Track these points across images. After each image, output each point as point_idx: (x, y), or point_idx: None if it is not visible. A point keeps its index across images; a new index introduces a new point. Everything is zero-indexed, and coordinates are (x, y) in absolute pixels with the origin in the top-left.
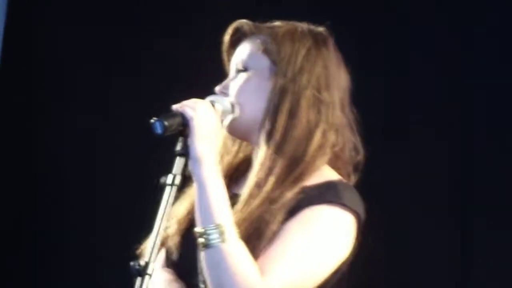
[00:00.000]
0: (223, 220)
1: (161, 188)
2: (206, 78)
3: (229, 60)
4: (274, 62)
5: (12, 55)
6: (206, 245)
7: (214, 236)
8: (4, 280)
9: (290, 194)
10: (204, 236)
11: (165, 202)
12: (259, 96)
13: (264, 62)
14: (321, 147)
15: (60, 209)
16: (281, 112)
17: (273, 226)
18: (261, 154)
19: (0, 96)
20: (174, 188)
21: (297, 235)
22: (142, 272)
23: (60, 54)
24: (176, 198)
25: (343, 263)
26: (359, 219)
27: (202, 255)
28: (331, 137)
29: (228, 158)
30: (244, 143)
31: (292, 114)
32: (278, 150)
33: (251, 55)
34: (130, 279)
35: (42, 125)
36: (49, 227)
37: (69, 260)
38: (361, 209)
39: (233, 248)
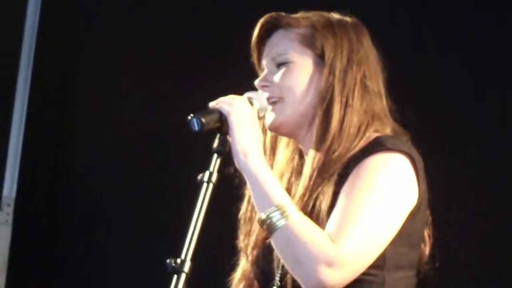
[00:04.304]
0: (281, 200)
1: (199, 186)
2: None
3: (258, 53)
4: (319, 56)
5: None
6: (272, 228)
7: (276, 217)
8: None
9: (339, 166)
10: (268, 221)
11: (201, 199)
12: (307, 91)
13: (308, 55)
14: (366, 132)
15: (100, 209)
16: (336, 105)
17: (328, 200)
18: (315, 147)
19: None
20: (211, 186)
21: (354, 195)
22: (178, 269)
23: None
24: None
25: (416, 206)
26: (412, 158)
27: (272, 241)
28: (376, 123)
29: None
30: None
31: (347, 106)
32: (334, 141)
33: (291, 48)
34: (167, 277)
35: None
36: (89, 225)
37: (108, 256)
38: (409, 150)
39: (298, 221)
